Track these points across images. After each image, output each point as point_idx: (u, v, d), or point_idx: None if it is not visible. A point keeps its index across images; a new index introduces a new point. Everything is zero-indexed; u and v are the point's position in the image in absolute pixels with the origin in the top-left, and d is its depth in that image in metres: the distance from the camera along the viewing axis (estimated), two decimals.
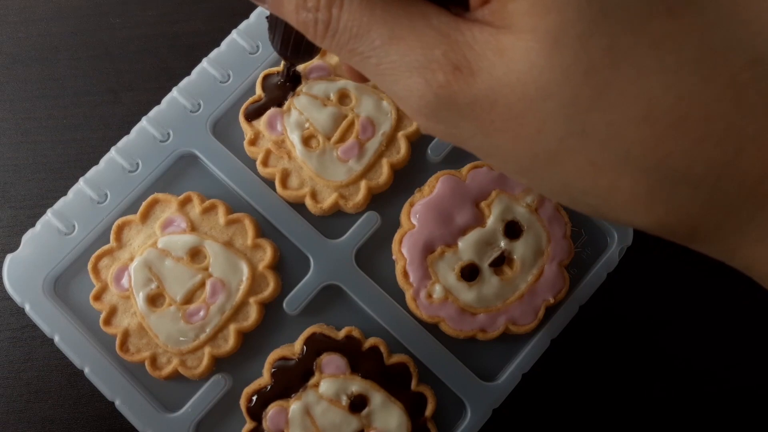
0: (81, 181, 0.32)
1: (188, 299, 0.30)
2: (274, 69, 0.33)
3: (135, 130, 0.33)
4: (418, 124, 0.17)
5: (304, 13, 0.17)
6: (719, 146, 0.14)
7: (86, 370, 0.30)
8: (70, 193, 0.32)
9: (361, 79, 0.22)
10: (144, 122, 0.33)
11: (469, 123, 0.16)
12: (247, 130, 0.33)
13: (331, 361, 0.30)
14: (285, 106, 0.33)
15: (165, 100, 0.33)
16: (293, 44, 0.24)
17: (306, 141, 0.32)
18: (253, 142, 0.33)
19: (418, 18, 0.16)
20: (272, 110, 0.33)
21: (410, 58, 0.16)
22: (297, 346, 0.31)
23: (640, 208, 0.15)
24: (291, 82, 0.33)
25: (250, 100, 0.33)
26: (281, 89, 0.33)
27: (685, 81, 0.14)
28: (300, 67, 0.33)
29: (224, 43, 0.34)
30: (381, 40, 0.16)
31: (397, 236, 0.32)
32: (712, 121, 0.14)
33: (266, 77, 0.33)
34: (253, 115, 0.33)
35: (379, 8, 0.16)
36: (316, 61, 0.33)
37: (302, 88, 0.33)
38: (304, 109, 0.32)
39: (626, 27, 0.14)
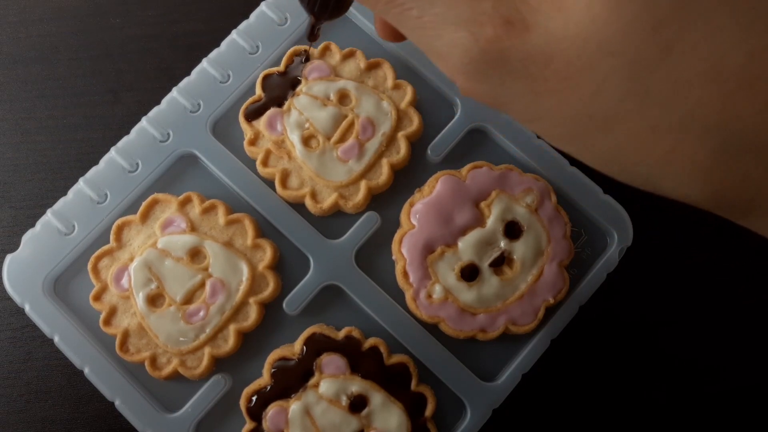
0: (81, 181, 0.32)
1: (188, 299, 0.30)
2: (274, 69, 0.33)
3: (135, 130, 0.33)
4: (458, 85, 0.16)
5: None
6: None
7: (86, 370, 0.30)
8: (70, 193, 0.32)
9: (395, 36, 0.21)
10: (144, 122, 0.33)
11: (518, 82, 0.15)
12: (247, 130, 0.33)
13: (331, 362, 0.30)
14: (285, 106, 0.33)
15: (165, 100, 0.33)
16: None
17: (306, 141, 0.32)
18: (253, 142, 0.33)
19: None
20: (272, 110, 0.33)
21: (456, 10, 0.15)
22: (297, 347, 0.31)
23: (698, 176, 0.14)
24: (312, 40, 0.32)
25: (250, 100, 0.33)
26: (300, 57, 0.32)
27: (758, 38, 0.13)
28: (300, 68, 0.33)
29: (224, 43, 0.34)
30: None
31: (397, 236, 0.32)
32: None
33: (266, 77, 0.33)
34: (253, 115, 0.33)
35: None
36: (316, 62, 0.33)
37: (302, 88, 0.33)
38: (304, 109, 0.32)
39: None
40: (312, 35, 0.31)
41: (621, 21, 0.13)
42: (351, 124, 0.32)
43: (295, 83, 0.33)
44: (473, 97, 0.16)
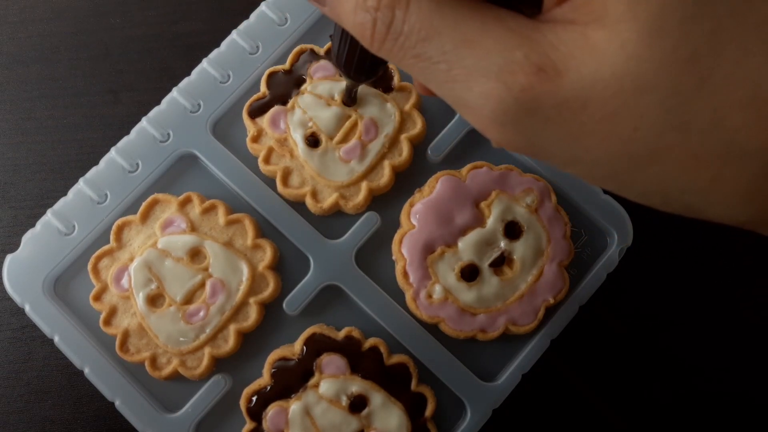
0: (81, 182, 0.32)
1: (188, 299, 0.30)
2: (279, 67, 0.33)
3: (135, 131, 0.33)
4: (491, 137, 0.16)
5: (362, 14, 0.16)
6: None
7: (86, 370, 0.30)
8: (70, 193, 0.32)
9: (427, 91, 0.21)
10: (144, 122, 0.33)
11: (554, 128, 0.15)
12: (250, 127, 0.33)
13: (331, 362, 0.30)
14: (289, 105, 0.33)
15: (165, 101, 0.33)
16: (358, 60, 0.22)
17: (308, 140, 0.32)
18: (256, 139, 0.33)
19: (492, 21, 0.15)
20: (276, 108, 0.33)
21: (487, 62, 0.15)
22: (297, 347, 0.31)
23: (741, 200, 0.15)
24: (350, 105, 0.32)
25: (255, 97, 0.33)
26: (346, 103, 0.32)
27: None
28: (305, 67, 0.33)
29: (224, 44, 0.34)
30: (453, 44, 0.15)
31: (397, 236, 0.32)
32: None
33: (271, 75, 0.33)
34: (257, 112, 0.33)
35: (449, 10, 0.15)
36: (322, 61, 0.33)
37: (307, 86, 0.33)
38: (307, 108, 0.32)
39: (730, 9, 0.13)
40: (350, 99, 0.31)
41: (656, 57, 0.14)
42: (354, 125, 0.32)
43: (300, 82, 0.33)
44: (507, 147, 0.16)
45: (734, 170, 0.14)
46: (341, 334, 0.31)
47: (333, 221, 0.33)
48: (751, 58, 0.13)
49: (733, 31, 0.13)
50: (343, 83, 0.33)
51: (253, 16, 0.34)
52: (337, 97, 0.33)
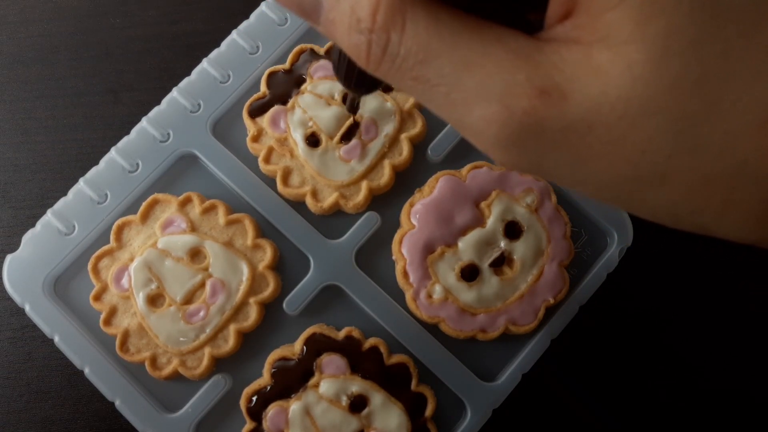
0: (81, 182, 0.32)
1: (188, 299, 0.30)
2: (279, 67, 0.33)
3: (135, 131, 0.33)
4: (495, 159, 0.16)
5: (357, 36, 0.15)
6: None
7: (86, 370, 0.30)
8: (70, 193, 0.32)
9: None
10: (144, 122, 0.33)
11: (559, 151, 0.15)
12: (250, 127, 0.33)
13: (331, 362, 0.30)
14: (289, 104, 0.33)
15: (165, 101, 0.33)
16: (359, 74, 0.22)
17: (308, 139, 0.32)
18: (256, 138, 0.33)
19: (493, 41, 0.14)
20: (276, 107, 0.33)
21: (488, 85, 0.14)
22: (297, 347, 0.31)
23: (752, 221, 0.15)
24: (353, 113, 0.32)
25: (255, 96, 0.33)
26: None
27: None
28: (305, 67, 0.33)
29: (224, 44, 0.34)
30: (452, 67, 0.14)
31: (397, 236, 0.32)
32: None
33: (271, 74, 0.33)
34: (257, 111, 0.33)
35: (448, 32, 0.14)
36: (322, 60, 0.33)
37: (307, 86, 0.33)
38: (308, 108, 0.32)
39: (739, 30, 0.13)
40: (353, 108, 0.31)
41: (664, 80, 0.13)
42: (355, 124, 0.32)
43: (300, 81, 0.33)
44: (511, 169, 0.16)
45: (746, 193, 0.14)
46: (341, 334, 0.31)
47: (333, 221, 0.33)
48: (761, 81, 0.13)
49: (743, 54, 0.13)
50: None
51: (253, 16, 0.34)
52: (337, 96, 0.33)
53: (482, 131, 0.15)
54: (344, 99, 0.32)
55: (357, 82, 0.22)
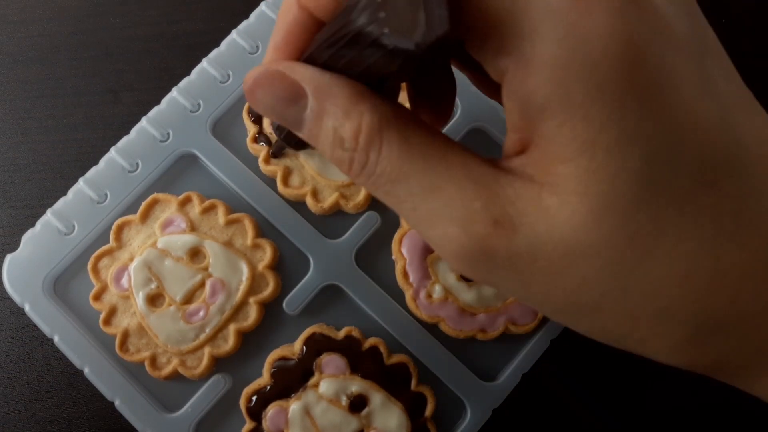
0: (81, 181, 0.32)
1: (188, 299, 0.30)
2: None
3: (135, 130, 0.33)
4: (453, 268, 0.18)
5: (340, 152, 0.17)
6: (751, 302, 0.16)
7: (86, 370, 0.30)
8: (70, 193, 0.32)
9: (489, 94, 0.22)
10: (144, 122, 0.33)
11: (507, 274, 0.16)
12: (250, 128, 0.33)
13: (330, 361, 0.30)
14: None
15: (165, 100, 0.33)
16: (299, 140, 0.23)
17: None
18: (256, 139, 0.32)
19: (458, 168, 0.16)
20: None
21: (449, 208, 0.16)
22: (297, 346, 0.31)
23: (675, 352, 0.17)
24: (276, 158, 0.32)
25: None
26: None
27: (723, 247, 0.15)
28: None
29: (224, 43, 0.34)
30: (420, 188, 0.16)
31: (397, 236, 0.32)
32: (746, 281, 0.15)
33: None
34: (257, 112, 0.33)
35: (419, 156, 0.16)
36: None
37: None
38: None
39: (672, 200, 0.15)
40: (277, 155, 0.32)
41: (602, 231, 0.15)
42: None
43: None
44: (467, 276, 0.18)
45: (667, 329, 0.16)
46: (341, 334, 0.31)
47: (333, 221, 0.33)
48: (686, 243, 0.15)
49: (673, 220, 0.15)
50: None
51: (253, 16, 0.34)
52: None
53: (443, 246, 0.17)
54: (272, 145, 0.32)
55: (296, 145, 0.23)
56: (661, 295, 0.15)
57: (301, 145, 0.23)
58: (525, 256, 0.16)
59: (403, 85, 0.23)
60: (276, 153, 0.32)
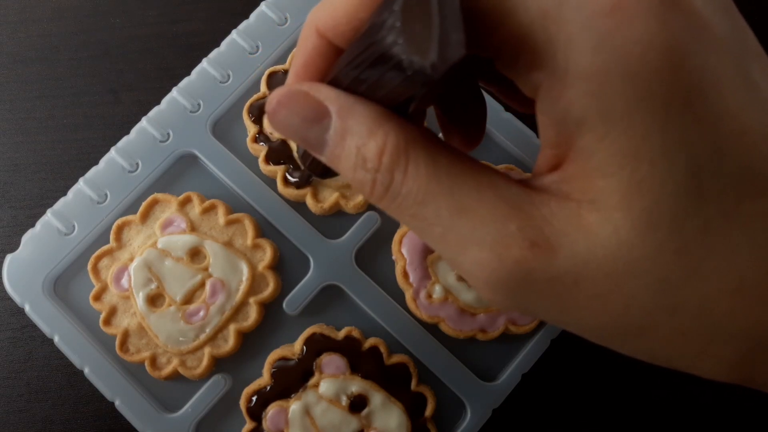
0: (81, 182, 0.32)
1: (188, 299, 0.30)
2: (279, 67, 0.33)
3: (135, 130, 0.33)
4: (484, 298, 0.16)
5: (362, 173, 0.16)
6: None
7: (86, 370, 0.30)
8: (70, 193, 0.32)
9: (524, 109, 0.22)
10: (144, 122, 0.33)
11: (546, 300, 0.15)
12: (250, 128, 0.33)
13: (331, 362, 0.30)
14: None
15: (165, 100, 0.33)
16: (323, 166, 0.22)
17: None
18: (256, 139, 0.32)
19: (487, 188, 0.15)
20: None
21: (481, 231, 0.15)
22: (297, 346, 0.31)
23: (725, 369, 0.16)
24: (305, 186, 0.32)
25: (255, 97, 0.33)
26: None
27: None
28: None
29: (224, 43, 0.34)
30: (449, 211, 0.15)
31: (397, 236, 0.32)
32: None
33: (271, 75, 0.33)
34: (257, 112, 0.33)
35: (446, 176, 0.15)
36: None
37: None
38: None
39: (719, 209, 0.14)
40: (302, 185, 0.31)
41: (647, 247, 0.14)
42: None
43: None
44: (500, 307, 0.17)
45: (720, 347, 0.15)
46: (341, 334, 0.31)
47: (333, 221, 0.33)
48: (737, 254, 0.14)
49: (722, 230, 0.14)
50: None
51: (253, 16, 0.34)
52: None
53: (474, 273, 0.16)
54: (298, 174, 0.32)
55: (320, 173, 0.23)
56: (712, 311, 0.15)
57: (327, 173, 0.22)
58: (566, 278, 0.15)
59: (434, 110, 0.22)
60: (301, 183, 0.32)
